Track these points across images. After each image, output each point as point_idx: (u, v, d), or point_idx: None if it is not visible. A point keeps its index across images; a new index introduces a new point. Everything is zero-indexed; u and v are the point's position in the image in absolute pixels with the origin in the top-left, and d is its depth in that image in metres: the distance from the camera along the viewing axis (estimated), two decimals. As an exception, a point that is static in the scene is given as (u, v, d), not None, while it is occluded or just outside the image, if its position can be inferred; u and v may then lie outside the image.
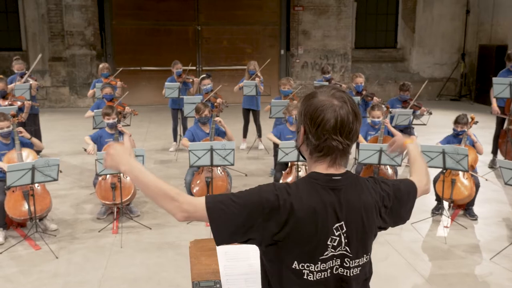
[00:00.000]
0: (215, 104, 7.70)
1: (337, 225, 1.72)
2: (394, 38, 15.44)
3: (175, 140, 9.11)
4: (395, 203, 1.87)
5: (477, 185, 5.84)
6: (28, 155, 5.44)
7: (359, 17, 15.07)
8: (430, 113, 7.75)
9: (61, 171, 6.24)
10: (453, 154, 5.39)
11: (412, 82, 11.78)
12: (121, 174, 5.53)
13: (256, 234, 1.68)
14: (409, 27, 15.17)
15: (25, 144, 5.54)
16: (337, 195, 1.73)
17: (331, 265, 1.74)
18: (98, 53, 13.68)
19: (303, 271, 1.71)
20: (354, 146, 7.57)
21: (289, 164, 6.27)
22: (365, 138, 6.55)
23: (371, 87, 14.70)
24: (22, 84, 7.76)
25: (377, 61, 15.21)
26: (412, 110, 7.60)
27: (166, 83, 8.69)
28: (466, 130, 6.02)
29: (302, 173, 6.10)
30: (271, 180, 6.62)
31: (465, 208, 6.00)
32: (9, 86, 7.54)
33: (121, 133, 6.09)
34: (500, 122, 7.88)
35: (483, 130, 9.38)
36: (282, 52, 14.68)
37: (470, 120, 6.15)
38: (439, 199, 5.95)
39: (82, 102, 13.69)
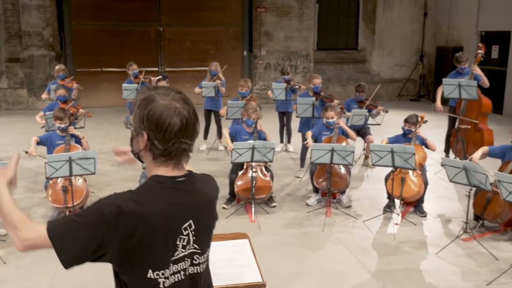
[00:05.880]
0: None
1: (185, 224, 1.74)
2: (355, 40, 15.70)
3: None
4: None
5: (425, 183, 6.01)
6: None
7: (321, 19, 15.26)
8: (386, 111, 7.95)
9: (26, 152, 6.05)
10: (401, 153, 5.53)
11: (373, 83, 11.99)
12: (73, 177, 5.47)
13: (106, 249, 1.63)
14: (370, 29, 15.44)
15: None
16: (184, 196, 1.75)
17: (183, 267, 1.76)
18: (58, 54, 13.45)
19: (159, 279, 1.71)
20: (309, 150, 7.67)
21: (245, 165, 6.31)
22: (319, 138, 6.66)
23: (333, 88, 14.94)
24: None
25: (338, 62, 15.43)
26: (367, 110, 7.76)
27: (123, 85, 8.63)
28: (413, 130, 6.19)
29: (257, 174, 6.15)
30: (227, 181, 6.65)
31: (415, 205, 6.17)
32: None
33: (73, 136, 6.02)
34: (451, 122, 8.11)
35: (437, 129, 9.63)
36: (245, 53, 14.73)
37: (419, 119, 6.33)
38: (390, 197, 6.09)
39: (41, 104, 13.35)
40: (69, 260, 1.61)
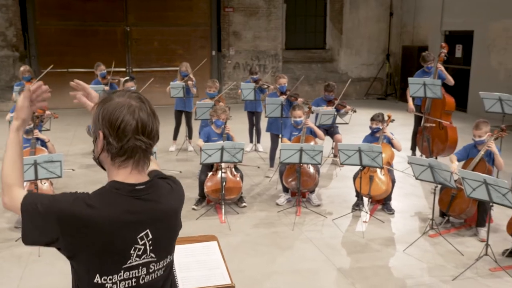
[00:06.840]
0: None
1: (142, 234, 1.72)
2: (323, 39, 15.85)
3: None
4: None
5: (393, 181, 6.12)
6: None
7: (289, 19, 15.35)
8: (354, 111, 8.06)
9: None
10: (368, 151, 5.61)
11: (341, 82, 12.09)
12: (38, 181, 5.36)
13: (59, 244, 1.66)
14: (337, 28, 15.61)
15: None
16: (142, 204, 1.72)
17: (136, 275, 1.73)
18: (22, 54, 13.13)
19: (106, 284, 1.69)
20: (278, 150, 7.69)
21: (215, 166, 6.30)
22: (289, 139, 6.69)
23: (301, 88, 15.04)
24: None
25: (307, 61, 15.55)
26: (335, 109, 7.85)
27: (90, 86, 8.44)
28: (380, 127, 6.29)
29: (226, 175, 6.15)
30: (197, 182, 6.62)
31: (383, 203, 6.27)
32: None
33: (38, 139, 5.90)
34: (418, 120, 8.28)
35: (405, 127, 9.81)
36: (214, 53, 14.69)
37: (386, 118, 6.44)
38: (358, 195, 6.18)
39: (5, 106, 13.05)
40: (27, 239, 1.69)
